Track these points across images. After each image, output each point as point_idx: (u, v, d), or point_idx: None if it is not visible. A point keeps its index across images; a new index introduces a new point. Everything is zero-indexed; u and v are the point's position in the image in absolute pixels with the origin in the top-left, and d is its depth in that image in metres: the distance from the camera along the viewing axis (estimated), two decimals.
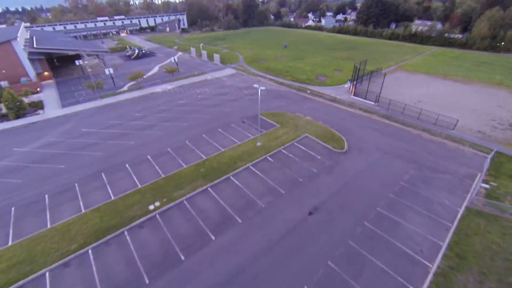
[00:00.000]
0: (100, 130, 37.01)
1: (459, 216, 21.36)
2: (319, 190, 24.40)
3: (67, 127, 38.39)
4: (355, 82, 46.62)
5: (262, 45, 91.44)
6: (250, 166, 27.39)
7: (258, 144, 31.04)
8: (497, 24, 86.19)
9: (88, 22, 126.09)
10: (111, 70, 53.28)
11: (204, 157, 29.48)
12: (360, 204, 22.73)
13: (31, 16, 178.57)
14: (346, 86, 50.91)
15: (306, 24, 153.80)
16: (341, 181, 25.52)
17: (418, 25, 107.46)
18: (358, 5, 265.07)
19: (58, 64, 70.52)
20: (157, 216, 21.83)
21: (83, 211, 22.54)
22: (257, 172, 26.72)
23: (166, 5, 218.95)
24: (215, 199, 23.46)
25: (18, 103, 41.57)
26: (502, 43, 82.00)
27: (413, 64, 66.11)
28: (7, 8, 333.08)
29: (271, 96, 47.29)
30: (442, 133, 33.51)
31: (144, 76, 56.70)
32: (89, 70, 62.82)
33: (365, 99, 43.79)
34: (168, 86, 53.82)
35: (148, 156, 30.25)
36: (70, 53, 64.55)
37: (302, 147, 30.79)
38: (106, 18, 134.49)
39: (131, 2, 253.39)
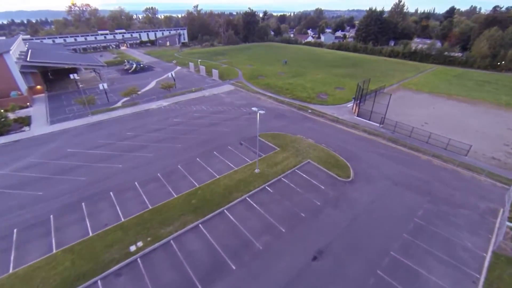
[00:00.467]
0: (87, 150, 34.47)
1: (486, 264, 18.60)
2: (324, 228, 21.67)
3: (52, 146, 35.84)
4: (358, 102, 44.82)
5: (262, 61, 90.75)
6: (247, 198, 24.72)
7: (256, 171, 28.51)
8: (496, 43, 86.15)
9: (88, 35, 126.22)
10: (105, 85, 51.35)
11: (197, 185, 26.84)
12: (371, 247, 19.96)
13: (33, 28, 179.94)
14: (348, 105, 49.05)
15: (305, 40, 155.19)
16: (348, 217, 22.83)
17: (418, 43, 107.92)
18: (356, 22, 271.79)
19: (52, 77, 68.80)
20: (139, 260, 18.92)
21: (54, 251, 19.63)
22: (255, 205, 24.02)
23: (168, 20, 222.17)
24: (206, 239, 20.63)
25: (2, 119, 39.25)
26: (503, 62, 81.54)
27: (416, 83, 64.83)
28: (12, 20, 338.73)
29: (271, 115, 45.24)
30: (454, 160, 31.16)
31: (139, 92, 54.80)
32: (81, 85, 61.06)
33: (369, 120, 41.75)
34: (164, 103, 51.81)
35: (136, 183, 27.58)
36: (66, 66, 62.99)
37: (304, 175, 28.26)
38: (107, 31, 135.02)
39: (134, 16, 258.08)
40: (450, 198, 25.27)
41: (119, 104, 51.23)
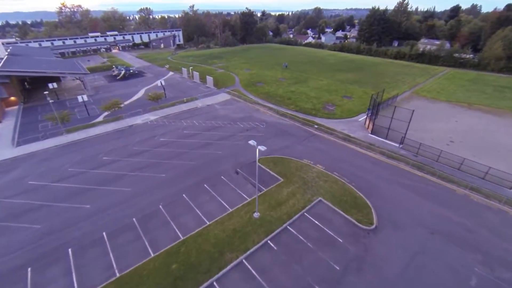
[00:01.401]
0: (52, 183, 28.65)
1: None
2: None
3: (11, 177, 30.00)
4: (370, 115, 39.20)
5: (260, 65, 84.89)
6: (244, 261, 18.94)
7: (256, 215, 22.77)
8: (511, 44, 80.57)
9: (78, 38, 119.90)
10: (85, 97, 45.43)
11: (181, 237, 21.10)
12: None
13: (22, 31, 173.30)
14: (360, 119, 43.31)
15: (305, 41, 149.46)
16: None
17: (425, 44, 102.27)
18: (356, 21, 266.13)
19: (30, 87, 62.80)
20: None
21: None
22: (254, 272, 18.26)
23: (164, 20, 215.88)
24: None
25: None
26: None
27: (430, 89, 59.17)
28: (7, 21, 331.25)
29: (272, 131, 39.49)
30: (498, 195, 25.50)
31: (122, 105, 48.70)
32: (63, 95, 55.09)
33: (386, 138, 36.06)
34: (151, 117, 45.98)
35: (104, 234, 21.81)
36: (44, 75, 57.05)
37: (316, 221, 22.52)
38: (98, 34, 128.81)
39: (131, 17, 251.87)
40: (507, 256, 19.61)
41: (100, 119, 45.34)
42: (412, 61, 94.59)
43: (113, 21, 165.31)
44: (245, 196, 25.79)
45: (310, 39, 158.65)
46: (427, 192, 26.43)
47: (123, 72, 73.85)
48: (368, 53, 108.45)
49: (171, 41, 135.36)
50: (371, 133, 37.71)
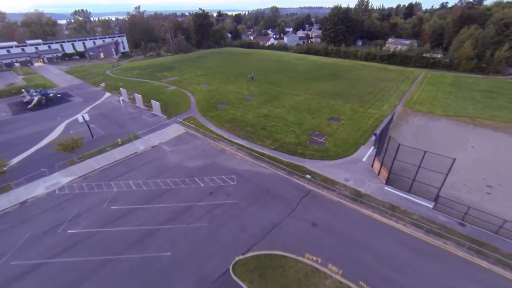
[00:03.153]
0: None
1: None
2: None
3: None
4: (377, 154, 28.81)
5: (220, 77, 71.41)
6: None
7: None
8: (478, 43, 78.50)
9: None
10: None
11: None
12: None
13: None
14: (362, 157, 32.63)
15: (268, 43, 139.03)
16: None
17: (394, 44, 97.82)
18: (313, 19, 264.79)
19: None
20: None
21: None
22: None
23: (107, 24, 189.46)
24: None
25: None
26: (489, 65, 73.56)
27: (420, 101, 51.45)
28: None
29: (247, 193, 26.85)
30: None
31: (12, 163, 31.94)
32: None
33: (409, 192, 25.66)
34: (63, 179, 30.22)
35: None
36: None
37: None
38: (14, 43, 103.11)
39: (65, 21, 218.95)
40: None
41: None
42: (383, 62, 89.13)
43: (38, 27, 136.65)
44: None
45: (272, 41, 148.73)
46: None
47: (36, 98, 54.91)
48: (336, 55, 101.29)
49: (112, 49, 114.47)
50: (387, 184, 27.05)
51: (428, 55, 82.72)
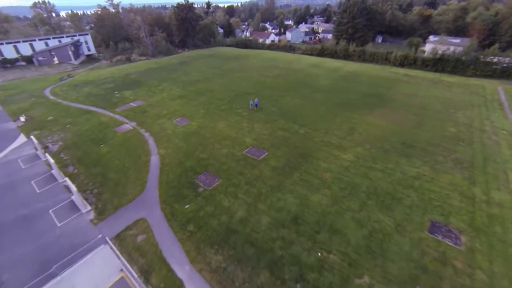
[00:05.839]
0: None
1: None
2: None
3: None
4: None
5: (208, 101, 47.73)
6: None
7: None
8: None
9: None
10: None
11: None
12: None
13: None
14: None
15: (268, 41, 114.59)
16: None
17: (439, 44, 74.45)
18: (312, 10, 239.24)
19: None
20: None
21: None
22: None
23: (76, 19, 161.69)
24: None
25: None
26: None
27: None
28: None
29: None
30: None
31: None
32: None
33: None
34: None
35: None
36: None
37: None
38: None
39: (21, 16, 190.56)
40: None
41: None
42: (426, 69, 66.60)
43: None
44: None
45: (272, 37, 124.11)
46: None
47: None
48: (361, 58, 78.04)
49: (70, 52, 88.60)
50: None
51: (495, 59, 60.05)
